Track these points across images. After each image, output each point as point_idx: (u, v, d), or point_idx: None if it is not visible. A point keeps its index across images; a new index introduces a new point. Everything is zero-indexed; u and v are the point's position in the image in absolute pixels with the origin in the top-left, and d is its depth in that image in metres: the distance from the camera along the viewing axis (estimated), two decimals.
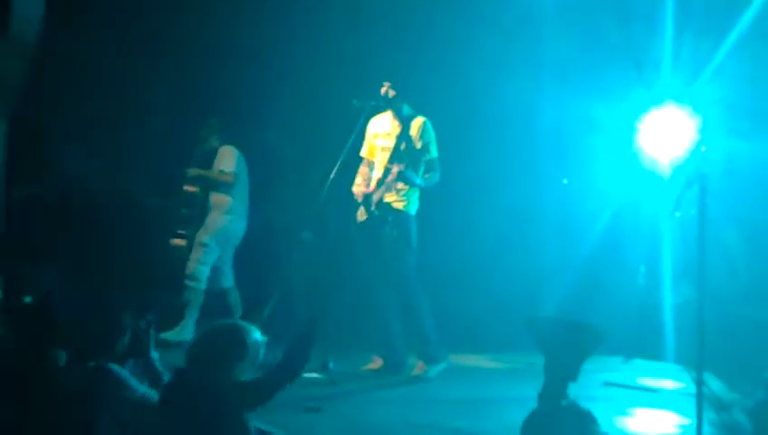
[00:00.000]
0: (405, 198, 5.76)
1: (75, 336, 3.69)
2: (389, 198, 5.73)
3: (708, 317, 4.95)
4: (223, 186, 6.52)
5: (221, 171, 6.52)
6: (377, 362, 5.86)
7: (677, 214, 6.34)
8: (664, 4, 6.54)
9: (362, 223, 5.79)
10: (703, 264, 4.92)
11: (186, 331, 6.24)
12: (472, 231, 7.41)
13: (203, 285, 6.42)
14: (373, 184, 5.83)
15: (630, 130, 6.51)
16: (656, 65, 6.65)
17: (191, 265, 6.42)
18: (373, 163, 5.92)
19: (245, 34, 7.28)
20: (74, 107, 7.05)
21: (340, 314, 6.12)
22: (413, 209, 5.81)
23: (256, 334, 3.57)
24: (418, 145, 5.73)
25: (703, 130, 5.75)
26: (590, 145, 7.00)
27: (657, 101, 6.36)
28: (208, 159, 6.67)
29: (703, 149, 5.30)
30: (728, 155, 6.01)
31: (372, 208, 5.72)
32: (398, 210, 5.73)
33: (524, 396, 4.25)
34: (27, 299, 4.08)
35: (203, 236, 6.49)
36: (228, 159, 6.54)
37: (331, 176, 5.53)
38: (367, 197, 5.78)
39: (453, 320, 6.81)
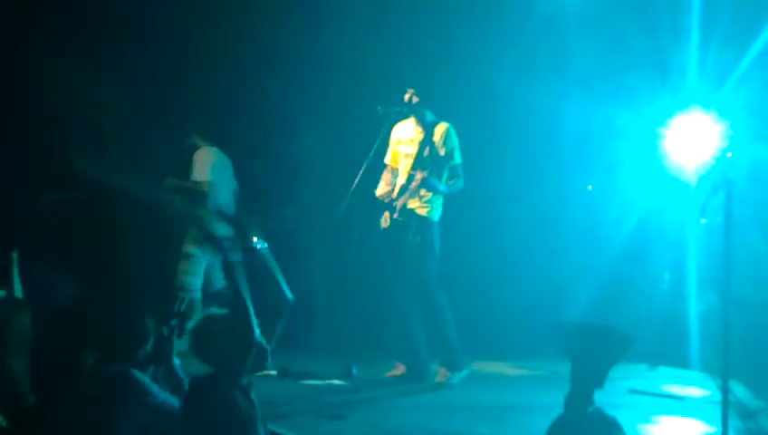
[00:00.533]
0: (428, 204, 5.78)
1: (99, 341, 3.73)
2: (413, 204, 5.75)
3: (733, 324, 4.92)
4: (199, 196, 6.23)
5: (193, 181, 6.22)
6: (400, 369, 5.87)
7: (703, 220, 6.34)
8: (689, 10, 6.50)
9: (385, 229, 5.80)
10: (728, 270, 4.89)
11: None
12: (496, 237, 7.40)
13: (197, 294, 6.29)
14: (396, 190, 5.84)
15: (655, 136, 6.48)
16: (681, 71, 6.62)
17: (180, 277, 6.23)
18: (397, 170, 5.94)
19: (271, 43, 7.32)
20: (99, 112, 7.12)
21: (364, 320, 6.12)
22: (436, 216, 5.83)
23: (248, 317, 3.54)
24: (442, 151, 5.75)
25: (728, 136, 5.70)
26: (614, 151, 6.97)
27: (683, 106, 6.33)
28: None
29: (729, 154, 5.28)
30: (754, 161, 5.95)
31: (395, 215, 5.73)
32: (421, 217, 5.75)
33: (548, 403, 4.23)
34: (52, 304, 4.12)
35: (188, 246, 6.34)
36: (200, 167, 6.18)
37: (355, 182, 5.55)
38: (390, 202, 5.79)
39: (476, 327, 6.80)
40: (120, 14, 7.05)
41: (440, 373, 5.74)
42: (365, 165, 5.59)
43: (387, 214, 5.81)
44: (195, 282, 6.25)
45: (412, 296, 5.76)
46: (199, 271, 6.29)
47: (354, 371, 5.48)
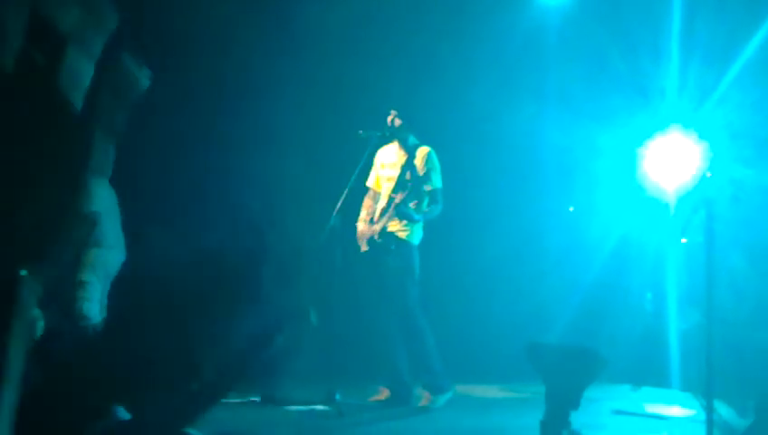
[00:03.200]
0: (408, 227, 5.75)
1: None
2: (393, 227, 5.72)
3: (716, 343, 4.94)
4: (89, 228, 6.26)
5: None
6: (383, 394, 5.83)
7: (684, 240, 6.38)
8: (669, 32, 6.57)
9: (366, 253, 5.78)
10: (710, 289, 4.91)
11: None
12: (477, 259, 7.40)
13: (97, 320, 6.16)
14: (377, 214, 5.83)
15: (636, 156, 6.52)
16: (661, 92, 6.68)
17: (78, 304, 6.14)
18: (379, 194, 5.93)
19: (251, 67, 7.29)
20: None
21: (347, 345, 6.09)
22: (416, 239, 5.81)
23: None
24: (422, 174, 5.73)
25: (708, 157, 5.76)
26: (595, 171, 7.02)
27: (663, 127, 6.38)
28: None
29: (708, 174, 5.32)
30: (734, 181, 6.01)
31: (376, 237, 5.71)
32: (401, 240, 5.73)
33: (531, 426, 4.23)
34: None
35: (83, 273, 6.21)
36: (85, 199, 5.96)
37: (338, 206, 5.52)
38: (370, 229, 5.78)
39: (459, 349, 6.79)
40: None
41: (424, 397, 5.72)
42: (347, 188, 5.57)
43: (365, 229, 5.79)
44: (92, 308, 6.12)
45: (393, 320, 5.74)
46: (95, 298, 6.16)
47: (337, 396, 5.43)
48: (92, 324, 5.87)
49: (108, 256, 6.20)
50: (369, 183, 5.98)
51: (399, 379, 5.80)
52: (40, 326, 3.80)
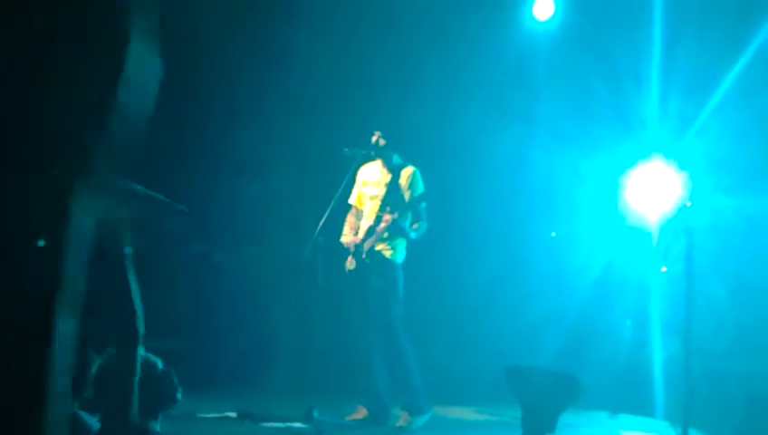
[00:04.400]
0: (392, 247, 5.77)
1: None
2: (379, 246, 5.74)
3: (695, 372, 4.96)
4: None
5: None
6: (361, 412, 5.80)
7: (664, 269, 6.42)
8: (650, 62, 6.67)
9: (350, 272, 5.78)
10: (690, 316, 4.94)
11: None
12: (461, 282, 7.42)
13: None
14: (362, 233, 5.84)
15: (618, 184, 6.58)
16: (643, 121, 6.76)
17: None
18: (361, 212, 5.95)
19: (237, 83, 7.36)
20: None
21: (326, 362, 6.08)
22: (400, 258, 5.82)
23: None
24: (407, 194, 5.77)
25: (689, 186, 5.81)
26: (578, 198, 7.07)
27: (645, 155, 6.45)
28: None
29: (688, 204, 5.37)
30: (714, 210, 6.06)
31: (363, 257, 5.73)
32: (385, 259, 5.75)
33: None
34: None
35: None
36: None
37: (321, 222, 5.54)
38: (356, 246, 5.79)
39: (440, 371, 6.78)
40: None
41: (402, 417, 5.70)
42: (331, 205, 5.60)
43: (351, 257, 5.81)
44: None
45: (374, 339, 5.73)
46: None
47: (315, 413, 5.40)
48: None
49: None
50: (351, 200, 6.01)
51: (378, 398, 5.78)
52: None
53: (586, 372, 6.80)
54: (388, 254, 5.76)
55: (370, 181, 5.94)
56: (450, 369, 6.91)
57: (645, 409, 6.46)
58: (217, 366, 6.45)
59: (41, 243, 2.46)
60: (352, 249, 5.79)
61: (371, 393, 5.78)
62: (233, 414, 5.56)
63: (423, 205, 5.81)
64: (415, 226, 5.77)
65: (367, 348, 5.76)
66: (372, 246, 5.73)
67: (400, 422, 5.67)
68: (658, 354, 6.55)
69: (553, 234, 7.58)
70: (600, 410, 6.53)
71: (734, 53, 6.23)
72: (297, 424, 5.38)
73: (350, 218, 5.97)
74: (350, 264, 5.79)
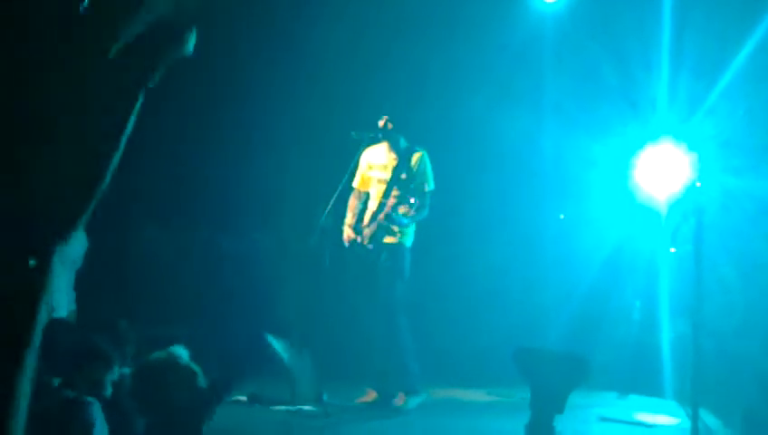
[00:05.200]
0: (400, 230, 5.77)
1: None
2: (388, 239, 5.75)
3: (704, 352, 4.96)
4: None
5: None
6: (370, 395, 5.84)
7: (673, 249, 6.41)
8: (659, 44, 6.63)
9: (355, 254, 5.78)
10: (699, 296, 4.94)
11: None
12: (470, 265, 7.44)
13: (63, 312, 6.09)
14: (367, 218, 5.84)
15: (627, 166, 6.56)
16: (652, 103, 6.73)
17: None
18: (365, 194, 5.94)
19: (247, 71, 7.38)
20: None
21: (335, 345, 6.11)
22: (408, 241, 5.84)
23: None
24: (416, 177, 5.76)
25: (698, 167, 5.79)
26: (587, 180, 7.06)
27: (654, 137, 6.42)
28: None
29: (698, 184, 5.36)
30: (723, 191, 6.05)
31: (365, 242, 5.74)
32: (392, 244, 5.75)
33: (516, 430, 4.24)
34: None
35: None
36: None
37: (328, 207, 5.57)
38: (356, 231, 5.80)
39: (451, 354, 6.83)
40: None
41: (398, 397, 5.69)
42: (338, 190, 5.61)
43: (351, 235, 5.79)
44: (59, 299, 6.05)
45: (377, 320, 5.74)
46: (62, 287, 6.10)
47: (325, 397, 5.46)
48: (61, 316, 5.86)
49: (69, 246, 6.13)
50: (354, 184, 5.99)
51: (387, 380, 5.80)
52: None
53: (596, 353, 6.87)
54: (395, 240, 5.74)
55: (376, 165, 5.93)
56: (461, 351, 6.94)
57: (654, 389, 6.48)
58: (227, 350, 6.50)
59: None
60: (356, 239, 5.77)
61: (380, 376, 5.81)
62: (243, 398, 5.62)
63: (431, 188, 5.81)
64: (411, 211, 5.71)
65: (369, 331, 5.76)
66: (375, 234, 5.71)
67: (396, 402, 5.67)
68: (668, 335, 6.56)
69: (562, 216, 7.58)
70: (610, 390, 6.56)
71: (744, 34, 6.19)
72: (307, 407, 5.44)
73: (352, 202, 5.94)
74: (348, 241, 5.76)
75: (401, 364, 5.70)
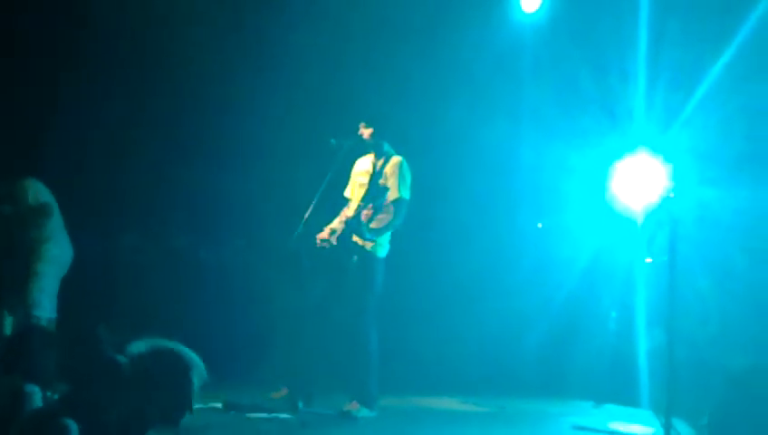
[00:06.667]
0: (375, 240, 5.72)
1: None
2: (359, 238, 5.68)
3: (680, 363, 5.00)
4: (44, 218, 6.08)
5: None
6: (354, 405, 5.77)
7: (649, 260, 6.46)
8: (636, 55, 6.70)
9: (329, 257, 5.74)
10: (672, 306, 4.97)
11: None
12: (448, 274, 7.46)
13: (50, 314, 5.98)
14: (341, 218, 5.82)
15: (604, 176, 6.61)
16: (629, 114, 6.79)
17: (31, 294, 5.92)
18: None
19: (228, 80, 7.38)
20: None
21: (312, 353, 6.10)
22: (382, 252, 5.74)
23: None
24: (389, 183, 5.72)
25: (674, 178, 5.84)
26: (565, 190, 7.11)
27: (631, 148, 6.47)
28: None
29: (671, 195, 5.41)
30: (699, 202, 6.10)
31: (332, 238, 5.68)
32: (365, 251, 5.66)
33: None
34: None
35: (36, 265, 6.00)
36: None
37: (307, 213, 5.56)
38: (333, 233, 5.76)
39: (426, 361, 6.83)
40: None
41: (351, 403, 5.62)
42: (317, 196, 5.60)
43: (326, 233, 5.75)
44: (44, 299, 6.04)
45: (346, 328, 5.68)
46: (50, 290, 6.09)
47: (300, 404, 5.44)
48: (46, 317, 5.85)
49: (59, 251, 6.19)
50: (346, 193, 5.99)
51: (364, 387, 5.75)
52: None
53: (572, 362, 6.91)
54: (369, 246, 5.67)
55: (360, 171, 5.94)
56: (436, 359, 6.96)
57: (630, 398, 6.51)
58: (203, 357, 6.48)
59: None
60: (326, 240, 5.71)
61: (356, 383, 5.72)
62: (219, 405, 5.59)
63: (404, 196, 5.72)
64: (375, 223, 5.62)
65: (340, 338, 5.69)
66: (343, 233, 5.66)
67: (348, 407, 5.59)
68: (644, 344, 6.60)
69: (540, 225, 7.62)
70: (586, 399, 6.59)
71: (720, 46, 6.26)
72: (283, 415, 5.41)
73: (344, 211, 5.92)
74: (321, 239, 5.71)
75: (362, 378, 5.64)
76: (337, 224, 5.83)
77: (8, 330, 6.04)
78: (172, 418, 3.40)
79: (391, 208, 5.69)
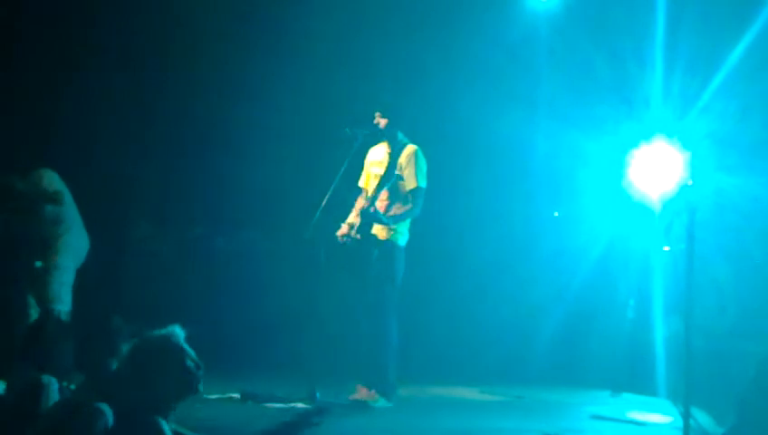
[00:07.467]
0: (392, 228, 5.70)
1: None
2: (375, 228, 5.66)
3: (697, 351, 4.97)
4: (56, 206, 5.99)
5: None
6: (361, 392, 5.77)
7: (666, 248, 6.43)
8: (653, 42, 6.64)
9: (345, 251, 5.72)
10: (690, 294, 4.94)
11: None
12: (465, 263, 7.45)
13: (68, 306, 5.90)
14: (356, 211, 5.80)
15: (621, 164, 6.57)
16: (646, 101, 6.74)
17: (51, 289, 5.87)
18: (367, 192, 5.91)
19: (240, 69, 7.38)
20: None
21: (329, 342, 6.10)
22: (402, 240, 5.71)
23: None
24: (405, 173, 5.70)
25: (692, 165, 5.80)
26: (581, 178, 7.08)
27: (648, 136, 6.43)
28: None
29: (689, 182, 5.37)
30: (717, 189, 6.06)
31: (353, 232, 5.66)
32: (383, 241, 5.64)
33: (510, 428, 4.24)
34: None
35: (56, 257, 5.95)
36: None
37: (323, 203, 5.54)
38: (353, 227, 5.74)
39: (444, 351, 6.82)
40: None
41: (369, 393, 5.58)
42: (333, 186, 5.58)
43: (345, 229, 5.74)
44: (67, 293, 6.03)
45: (367, 319, 5.68)
46: (70, 283, 6.08)
47: (318, 394, 5.43)
48: (65, 310, 5.85)
49: (76, 242, 6.19)
50: (360, 183, 5.97)
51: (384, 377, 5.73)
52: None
53: (589, 351, 6.89)
54: (387, 235, 5.66)
55: (374, 161, 5.89)
56: (454, 349, 6.95)
57: (647, 387, 6.49)
58: (221, 348, 6.50)
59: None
60: (345, 233, 5.70)
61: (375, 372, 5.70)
62: (236, 395, 5.60)
63: (420, 185, 5.70)
64: (393, 211, 5.60)
65: (360, 329, 5.69)
66: (362, 225, 5.63)
67: (364, 396, 5.56)
68: (661, 333, 6.58)
69: (556, 213, 7.60)
70: (603, 388, 6.57)
71: (738, 32, 6.21)
72: (300, 405, 5.42)
73: (358, 202, 5.86)
74: (342, 238, 5.70)
75: (381, 368, 5.63)
76: (354, 218, 5.80)
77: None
78: (181, 398, 3.45)
79: (409, 198, 5.67)
